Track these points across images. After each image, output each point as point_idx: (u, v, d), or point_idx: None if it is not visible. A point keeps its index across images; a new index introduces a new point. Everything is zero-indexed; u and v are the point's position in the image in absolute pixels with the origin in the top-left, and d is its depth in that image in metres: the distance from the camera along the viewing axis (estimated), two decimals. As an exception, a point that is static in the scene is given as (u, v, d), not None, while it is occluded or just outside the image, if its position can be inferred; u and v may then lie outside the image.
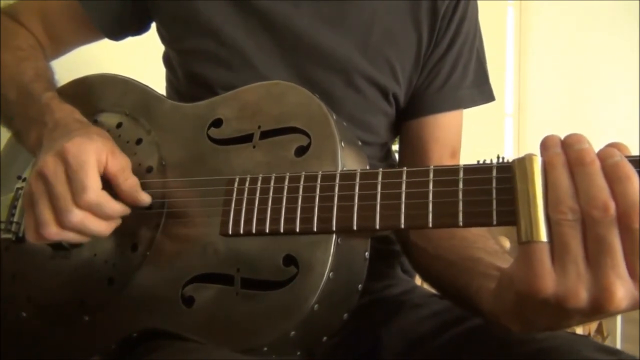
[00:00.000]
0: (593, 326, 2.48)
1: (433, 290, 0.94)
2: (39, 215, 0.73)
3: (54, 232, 0.73)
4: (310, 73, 0.92)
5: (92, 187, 0.72)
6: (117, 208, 0.75)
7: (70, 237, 0.74)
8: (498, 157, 4.31)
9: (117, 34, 1.04)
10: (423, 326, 0.88)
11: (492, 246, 0.80)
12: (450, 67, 0.99)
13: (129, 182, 0.77)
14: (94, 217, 0.73)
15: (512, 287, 0.57)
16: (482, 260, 0.76)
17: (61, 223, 0.72)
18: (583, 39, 4.53)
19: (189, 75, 0.96)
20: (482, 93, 1.04)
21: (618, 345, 2.73)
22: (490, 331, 0.79)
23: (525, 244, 0.54)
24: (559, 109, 4.67)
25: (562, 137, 0.57)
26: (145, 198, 0.78)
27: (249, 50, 0.92)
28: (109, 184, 0.76)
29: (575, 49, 4.58)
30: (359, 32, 0.94)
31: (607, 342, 2.60)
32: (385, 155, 1.05)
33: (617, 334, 2.74)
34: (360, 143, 0.80)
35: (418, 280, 1.17)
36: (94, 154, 0.73)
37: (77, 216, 0.72)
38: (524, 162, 0.57)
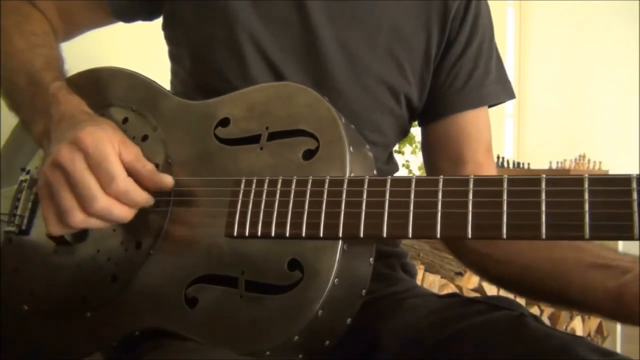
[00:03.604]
0: (593, 326, 2.49)
1: (433, 290, 0.94)
2: (61, 204, 0.72)
3: (80, 219, 0.72)
4: (319, 68, 0.92)
5: (119, 176, 0.72)
6: (144, 195, 0.75)
7: (93, 223, 0.74)
8: (498, 157, 4.33)
9: (129, 16, 1.03)
10: (422, 325, 0.88)
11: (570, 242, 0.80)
12: (471, 65, 0.99)
13: (148, 167, 0.76)
14: (119, 203, 0.73)
15: None
16: (566, 259, 0.77)
17: (87, 210, 0.72)
18: (583, 39, 4.53)
19: (199, 63, 0.95)
20: (505, 90, 1.04)
21: (618, 345, 2.75)
22: (488, 330, 0.80)
23: None
24: (559, 109, 4.68)
25: None
26: (169, 180, 0.77)
27: (263, 42, 0.91)
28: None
29: (575, 49, 4.59)
30: (369, 30, 0.94)
31: (607, 343, 2.61)
32: (388, 159, 1.05)
33: (617, 334, 2.76)
34: (368, 146, 0.80)
35: (418, 280, 1.18)
36: (109, 142, 0.73)
37: (104, 202, 0.72)
38: None
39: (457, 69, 0.98)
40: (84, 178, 0.71)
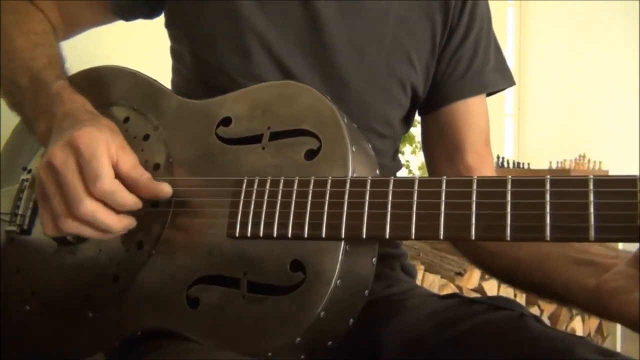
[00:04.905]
0: (593, 326, 2.50)
1: (433, 291, 0.94)
2: (55, 208, 0.72)
3: (70, 225, 0.71)
4: (328, 62, 0.92)
5: (105, 175, 0.71)
6: (130, 198, 0.74)
7: (85, 232, 0.73)
8: (498, 157, 4.33)
9: (129, 14, 1.02)
10: (422, 326, 0.88)
11: None
12: (471, 52, 0.99)
13: (146, 175, 0.75)
14: (105, 208, 0.72)
15: None
16: (552, 253, 0.77)
17: (72, 213, 0.71)
18: (583, 39, 4.53)
19: (201, 61, 0.94)
20: (504, 77, 1.04)
21: (618, 345, 2.76)
22: (488, 331, 0.80)
23: None
24: (559, 109, 4.68)
25: None
26: (166, 188, 0.76)
27: (269, 37, 0.90)
28: (121, 180, 0.74)
29: (575, 49, 4.58)
30: (376, 22, 0.94)
31: (607, 342, 2.63)
32: (394, 154, 1.05)
33: (617, 334, 2.77)
34: (370, 145, 0.80)
35: (418, 280, 1.18)
36: (105, 144, 0.72)
37: (88, 206, 0.70)
38: None
39: (457, 57, 0.99)
40: (72, 181, 0.71)
